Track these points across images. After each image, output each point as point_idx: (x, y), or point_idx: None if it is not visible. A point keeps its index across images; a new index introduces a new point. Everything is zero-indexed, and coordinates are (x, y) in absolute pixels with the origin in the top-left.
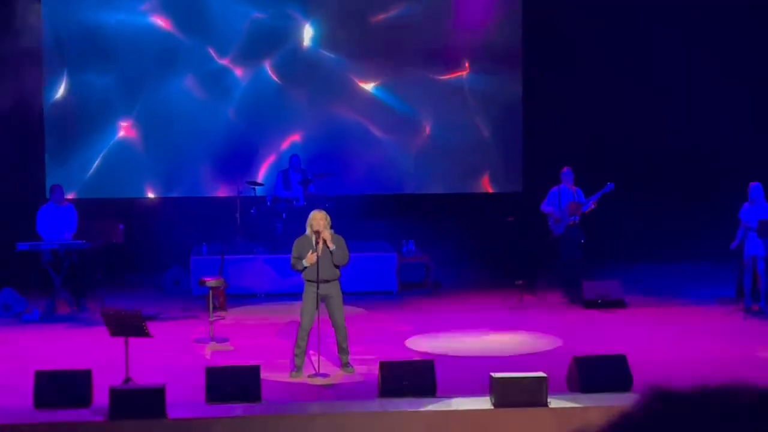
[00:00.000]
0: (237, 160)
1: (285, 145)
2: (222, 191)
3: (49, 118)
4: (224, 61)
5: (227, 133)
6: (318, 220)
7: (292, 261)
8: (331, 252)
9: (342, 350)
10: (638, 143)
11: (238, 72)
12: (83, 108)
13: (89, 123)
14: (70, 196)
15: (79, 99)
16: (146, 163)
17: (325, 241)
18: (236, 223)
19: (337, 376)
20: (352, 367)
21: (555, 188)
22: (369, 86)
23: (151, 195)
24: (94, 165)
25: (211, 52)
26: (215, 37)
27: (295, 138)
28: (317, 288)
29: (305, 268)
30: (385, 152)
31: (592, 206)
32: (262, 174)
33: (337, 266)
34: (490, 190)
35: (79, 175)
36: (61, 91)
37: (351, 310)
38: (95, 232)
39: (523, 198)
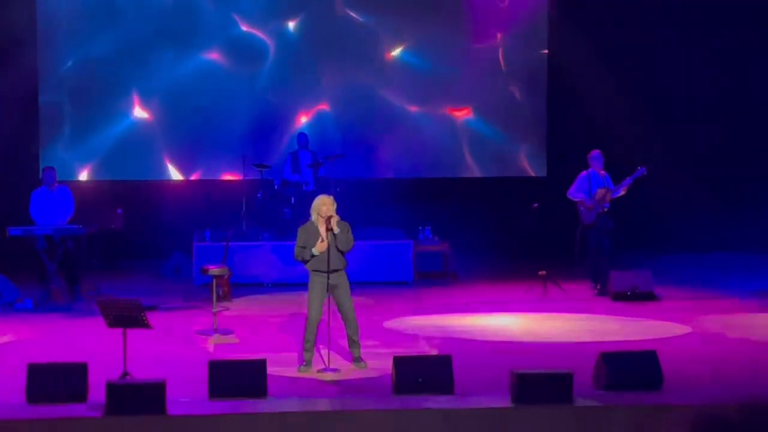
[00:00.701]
0: (245, 140)
1: (298, 122)
2: (227, 174)
3: (43, 95)
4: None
5: (234, 110)
6: (328, 205)
7: (296, 250)
8: (335, 235)
9: (353, 343)
10: (673, 126)
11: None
12: (79, 85)
13: (84, 101)
14: (82, 177)
15: (75, 75)
16: (146, 145)
17: (329, 226)
18: (242, 207)
19: (348, 371)
20: (364, 362)
21: (584, 173)
22: (394, 52)
23: (151, 178)
24: (91, 146)
25: (213, 20)
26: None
27: (304, 117)
28: (328, 278)
29: (313, 257)
30: (401, 134)
31: (622, 192)
32: (274, 154)
33: (342, 252)
34: (514, 175)
35: (75, 156)
36: (56, 66)
37: (364, 301)
38: (92, 217)
39: (548, 183)
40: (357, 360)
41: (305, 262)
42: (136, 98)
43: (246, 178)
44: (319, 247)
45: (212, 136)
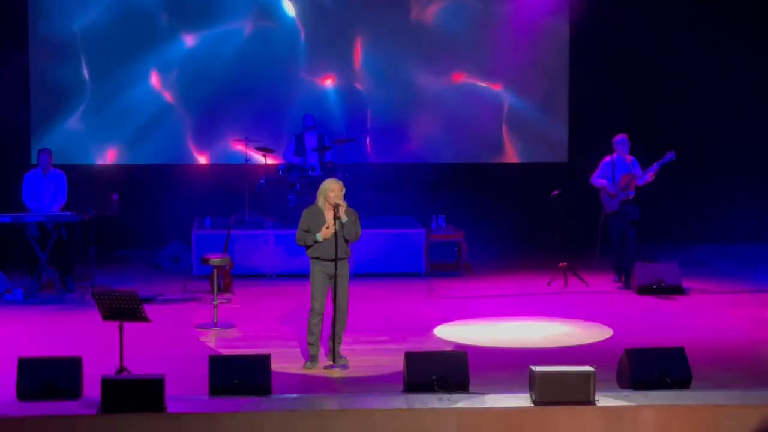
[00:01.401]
0: (248, 122)
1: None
2: (228, 158)
3: (34, 71)
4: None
5: (236, 89)
6: (337, 191)
7: (298, 234)
8: (342, 224)
9: (336, 338)
10: (702, 110)
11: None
12: (69, 61)
13: (79, 79)
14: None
15: (65, 49)
16: (143, 127)
17: (337, 214)
18: (244, 193)
19: (357, 367)
20: (345, 357)
21: (608, 158)
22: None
23: (148, 162)
24: (84, 127)
25: None
26: None
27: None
28: (335, 268)
29: (316, 242)
30: (413, 117)
31: (649, 179)
32: (279, 138)
33: (347, 242)
34: (533, 160)
35: (67, 137)
36: (47, 40)
37: (373, 294)
38: (86, 203)
39: (569, 169)
40: (337, 356)
41: (307, 247)
42: (138, 74)
43: (249, 162)
44: (324, 234)
45: (212, 117)
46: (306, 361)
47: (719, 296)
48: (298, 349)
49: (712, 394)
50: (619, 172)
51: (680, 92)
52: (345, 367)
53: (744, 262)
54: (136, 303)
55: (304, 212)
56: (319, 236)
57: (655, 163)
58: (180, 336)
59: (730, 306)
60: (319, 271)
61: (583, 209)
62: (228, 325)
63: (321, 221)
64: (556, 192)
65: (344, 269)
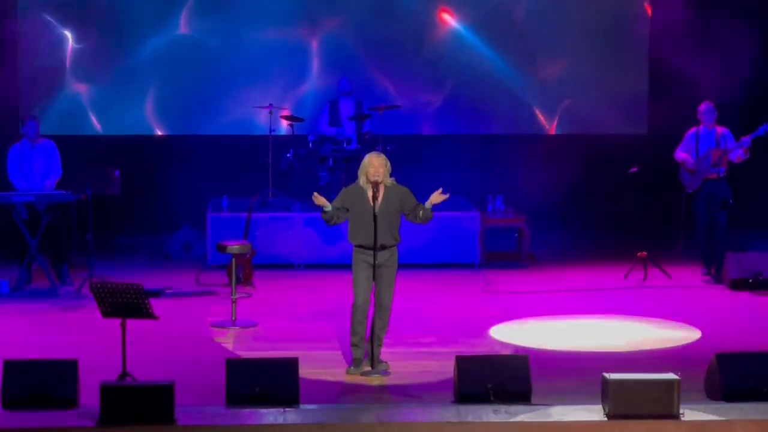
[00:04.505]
0: (267, 85)
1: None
2: (249, 128)
3: (23, 32)
4: None
5: (258, 49)
6: (377, 167)
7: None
8: (419, 214)
9: (376, 339)
10: None
11: None
12: (65, 19)
13: (75, 35)
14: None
15: (58, 7)
16: (149, 91)
17: (376, 194)
18: (268, 170)
19: (401, 373)
20: (385, 362)
21: (693, 130)
22: None
23: (157, 132)
24: (80, 92)
25: None
26: None
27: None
28: (374, 258)
29: (328, 214)
30: (465, 80)
31: (743, 154)
32: (309, 106)
33: (417, 221)
34: (606, 132)
35: (60, 103)
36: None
37: (418, 288)
38: (83, 180)
39: (650, 142)
40: (377, 361)
41: (331, 224)
42: (144, 31)
43: (273, 133)
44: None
45: (230, 81)
46: (349, 366)
47: None
48: (330, 352)
49: None
50: (704, 145)
51: None
52: (385, 373)
53: None
54: (142, 297)
55: (342, 190)
56: (328, 206)
57: (746, 137)
58: (192, 336)
59: None
60: (361, 260)
61: (665, 189)
62: (248, 324)
63: (360, 203)
64: (634, 169)
65: (389, 260)
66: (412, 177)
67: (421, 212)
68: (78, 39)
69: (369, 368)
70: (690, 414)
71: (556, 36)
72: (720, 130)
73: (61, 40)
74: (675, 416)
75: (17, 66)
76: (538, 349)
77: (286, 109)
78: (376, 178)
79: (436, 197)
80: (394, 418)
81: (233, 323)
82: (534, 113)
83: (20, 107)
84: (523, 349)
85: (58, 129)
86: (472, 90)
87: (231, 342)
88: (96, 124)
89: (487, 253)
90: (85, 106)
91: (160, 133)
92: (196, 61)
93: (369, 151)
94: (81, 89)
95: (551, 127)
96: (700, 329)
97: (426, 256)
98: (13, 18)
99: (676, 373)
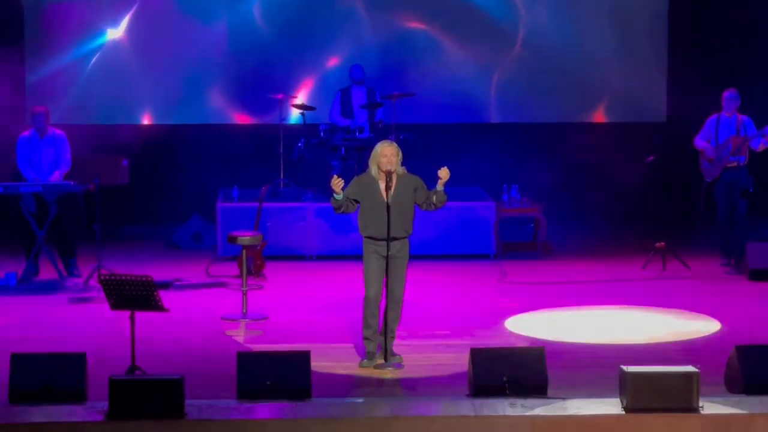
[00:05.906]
0: (278, 75)
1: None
2: (259, 117)
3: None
4: None
5: (264, 37)
6: (389, 156)
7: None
8: (432, 201)
9: (389, 331)
10: None
11: None
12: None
13: (77, 25)
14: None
15: None
16: (156, 79)
17: (389, 183)
18: (279, 159)
19: (415, 367)
20: (399, 355)
21: (714, 116)
22: None
23: (163, 122)
24: (88, 80)
25: None
26: None
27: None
28: (387, 249)
29: (338, 201)
30: (480, 66)
31: (766, 143)
32: (311, 95)
33: (433, 207)
34: (624, 120)
35: (68, 92)
36: None
37: (432, 279)
38: (91, 170)
39: (668, 130)
40: (390, 354)
41: (340, 211)
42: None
43: (284, 122)
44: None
45: (240, 68)
46: (362, 359)
47: None
48: (342, 345)
49: None
50: (724, 133)
51: None
52: (399, 366)
53: None
54: (151, 289)
55: (354, 179)
56: (340, 194)
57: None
58: (202, 329)
59: None
60: (372, 252)
61: (684, 178)
62: (259, 316)
63: (371, 193)
64: (652, 158)
65: (401, 250)
66: (425, 166)
67: (434, 197)
68: (89, 28)
69: (382, 361)
70: (710, 407)
71: (573, 24)
72: (741, 117)
73: (71, 29)
74: (694, 410)
75: (25, 54)
76: (555, 342)
77: (296, 97)
78: (388, 168)
79: (443, 172)
80: (408, 411)
81: (244, 316)
82: (549, 102)
83: (28, 97)
84: (540, 341)
85: (66, 119)
86: (486, 78)
87: (242, 335)
88: (105, 114)
89: (503, 244)
90: (95, 95)
91: (169, 122)
92: (206, 50)
93: (382, 140)
94: (91, 79)
95: (568, 115)
96: (719, 321)
97: (441, 247)
98: (18, 3)
99: (695, 366)
